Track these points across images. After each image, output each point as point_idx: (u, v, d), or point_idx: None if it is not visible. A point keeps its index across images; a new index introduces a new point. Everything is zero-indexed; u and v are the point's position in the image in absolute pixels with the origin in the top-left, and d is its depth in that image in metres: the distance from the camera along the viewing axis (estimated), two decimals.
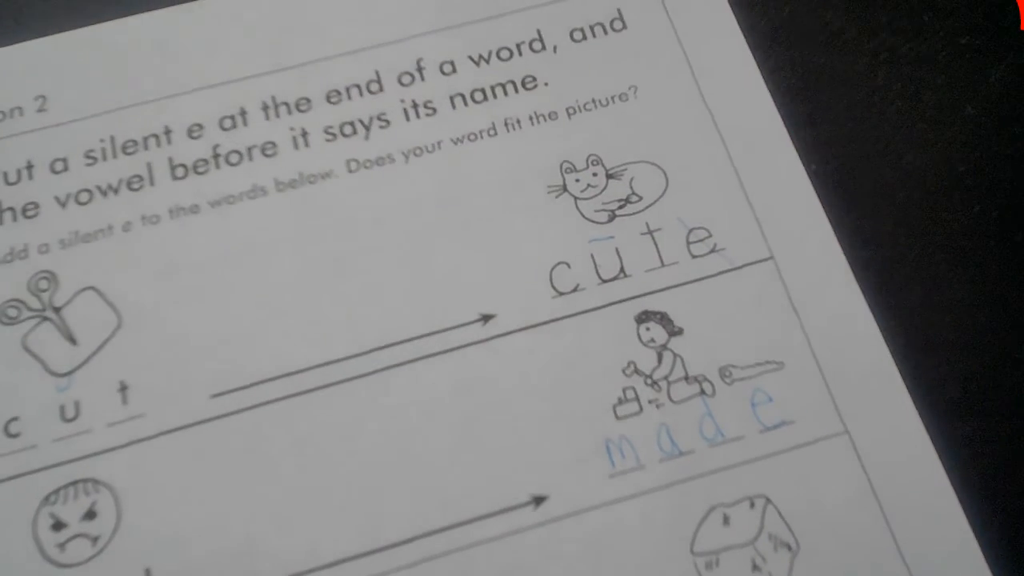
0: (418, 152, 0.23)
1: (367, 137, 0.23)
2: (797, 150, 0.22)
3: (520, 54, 0.24)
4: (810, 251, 0.21)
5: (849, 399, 0.19)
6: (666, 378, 0.20)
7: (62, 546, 0.20)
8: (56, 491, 0.20)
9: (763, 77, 0.23)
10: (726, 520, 0.19)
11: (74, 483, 0.20)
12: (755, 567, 0.18)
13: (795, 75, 0.23)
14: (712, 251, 0.21)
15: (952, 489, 0.19)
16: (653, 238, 0.21)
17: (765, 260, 0.21)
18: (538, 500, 0.19)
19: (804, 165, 0.22)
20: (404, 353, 0.21)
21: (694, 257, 0.21)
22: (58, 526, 0.20)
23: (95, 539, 0.20)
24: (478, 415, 0.20)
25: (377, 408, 0.20)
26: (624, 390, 0.20)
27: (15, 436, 0.20)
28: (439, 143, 0.23)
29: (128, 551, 0.19)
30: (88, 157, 0.23)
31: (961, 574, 0.18)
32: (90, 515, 0.20)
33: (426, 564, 0.19)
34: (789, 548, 0.18)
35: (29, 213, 0.22)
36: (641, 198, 0.22)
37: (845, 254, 0.21)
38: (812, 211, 0.21)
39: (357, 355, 0.21)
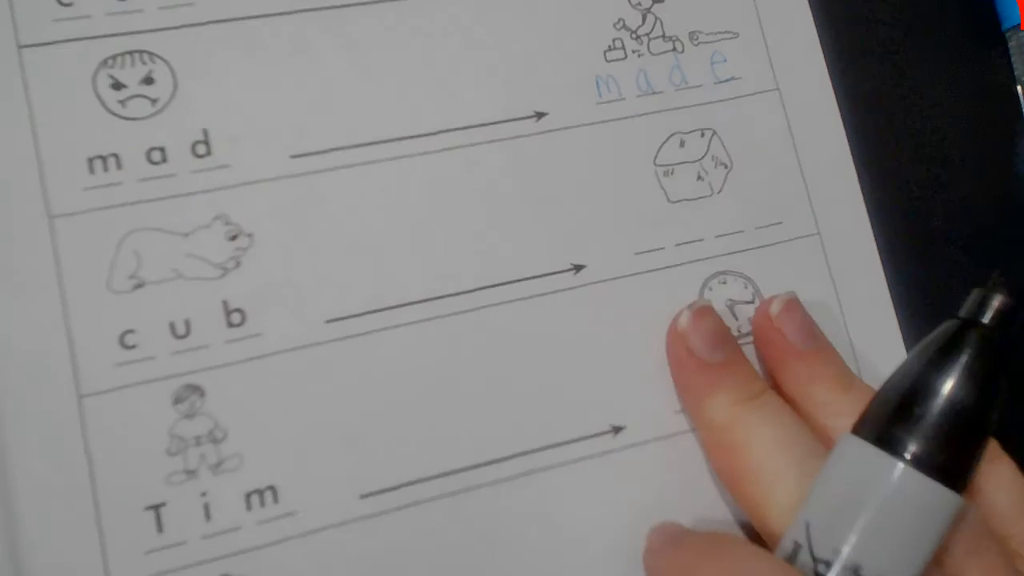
0: None
1: None
2: None
3: None
4: None
5: (782, 62, 0.25)
6: (648, 35, 0.25)
7: (123, 103, 0.22)
8: (113, 56, 0.22)
9: None
10: (682, 143, 0.24)
11: (130, 52, 0.22)
12: (699, 177, 0.24)
13: None
14: None
15: (847, 142, 0.25)
16: None
17: None
18: (539, 115, 0.24)
19: None
20: None
21: None
22: (118, 86, 0.22)
23: (154, 100, 0.22)
24: (499, 32, 0.24)
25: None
26: (613, 40, 0.24)
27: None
28: None
29: (186, 113, 0.22)
30: None
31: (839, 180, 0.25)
32: (148, 80, 0.22)
33: None
34: (726, 166, 0.24)
35: None
36: None
37: None
38: None
39: None
